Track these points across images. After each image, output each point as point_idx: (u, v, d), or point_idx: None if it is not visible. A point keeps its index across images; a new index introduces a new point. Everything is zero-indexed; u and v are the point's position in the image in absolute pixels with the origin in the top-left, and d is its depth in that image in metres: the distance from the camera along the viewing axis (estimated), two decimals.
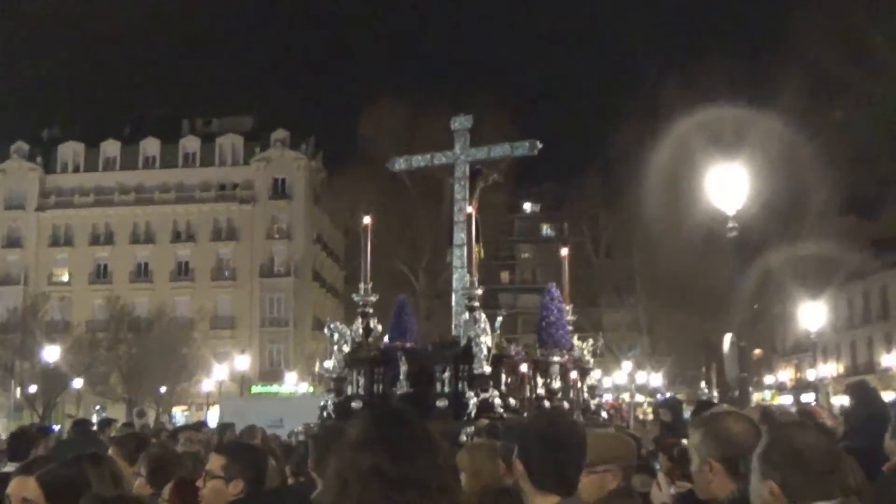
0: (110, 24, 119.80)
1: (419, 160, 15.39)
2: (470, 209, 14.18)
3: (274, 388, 67.41)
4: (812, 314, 32.09)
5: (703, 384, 26.04)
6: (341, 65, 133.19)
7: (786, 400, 58.35)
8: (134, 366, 60.27)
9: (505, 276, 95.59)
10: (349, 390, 14.01)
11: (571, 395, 15.40)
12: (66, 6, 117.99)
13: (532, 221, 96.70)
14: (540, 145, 14.45)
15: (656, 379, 61.95)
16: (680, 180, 44.99)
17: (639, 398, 55.35)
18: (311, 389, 68.47)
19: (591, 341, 16.60)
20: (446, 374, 13.25)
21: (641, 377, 59.47)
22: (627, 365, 59.22)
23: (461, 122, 14.87)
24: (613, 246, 64.66)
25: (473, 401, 12.75)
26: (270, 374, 70.39)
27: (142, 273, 75.25)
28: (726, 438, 3.51)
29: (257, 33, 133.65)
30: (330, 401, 14.03)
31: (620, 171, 59.57)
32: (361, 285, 14.45)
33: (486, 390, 13.01)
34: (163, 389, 60.93)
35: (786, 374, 69.56)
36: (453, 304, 14.50)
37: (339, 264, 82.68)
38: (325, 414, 14.00)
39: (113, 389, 60.91)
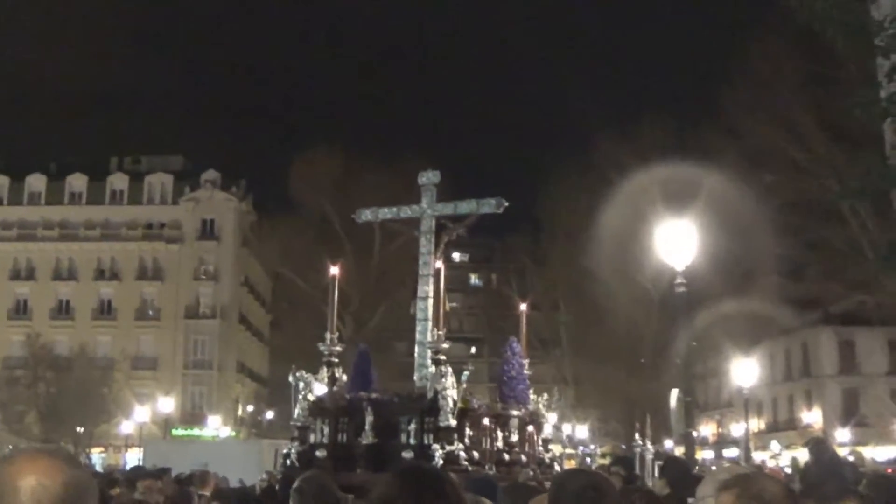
0: (41, 59, 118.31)
1: (385, 212, 15.51)
2: (439, 264, 14.38)
3: (195, 431, 66.37)
4: (744, 371, 32.84)
5: (637, 437, 26.40)
6: (275, 109, 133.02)
7: (707, 455, 59.29)
8: (52, 405, 59.01)
9: None
10: (312, 439, 14.02)
11: (527, 448, 15.59)
12: None
13: (460, 271, 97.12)
14: (506, 203, 14.70)
15: (581, 431, 62.48)
16: (610, 240, 45.95)
17: (569, 451, 55.74)
18: (234, 434, 67.69)
19: (545, 395, 16.84)
20: (412, 426, 13.34)
21: (566, 429, 59.87)
22: (552, 417, 59.51)
23: (429, 177, 15.02)
24: (540, 299, 65.36)
25: (439, 453, 12.84)
26: (192, 416, 69.28)
27: (63, 310, 73.61)
28: (765, 499, 3.47)
29: (191, 74, 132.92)
30: (294, 449, 14.00)
31: (549, 227, 60.61)
32: (327, 335, 14.50)
33: (451, 443, 13.13)
34: (80, 430, 59.61)
35: (707, 430, 70.67)
36: (416, 355, 14.61)
37: (265, 308, 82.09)
38: (287, 462, 13.98)
39: (29, 429, 59.35)
